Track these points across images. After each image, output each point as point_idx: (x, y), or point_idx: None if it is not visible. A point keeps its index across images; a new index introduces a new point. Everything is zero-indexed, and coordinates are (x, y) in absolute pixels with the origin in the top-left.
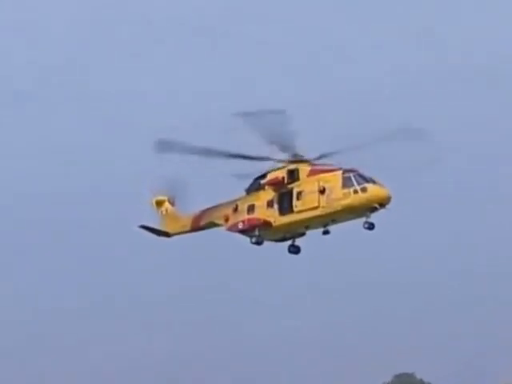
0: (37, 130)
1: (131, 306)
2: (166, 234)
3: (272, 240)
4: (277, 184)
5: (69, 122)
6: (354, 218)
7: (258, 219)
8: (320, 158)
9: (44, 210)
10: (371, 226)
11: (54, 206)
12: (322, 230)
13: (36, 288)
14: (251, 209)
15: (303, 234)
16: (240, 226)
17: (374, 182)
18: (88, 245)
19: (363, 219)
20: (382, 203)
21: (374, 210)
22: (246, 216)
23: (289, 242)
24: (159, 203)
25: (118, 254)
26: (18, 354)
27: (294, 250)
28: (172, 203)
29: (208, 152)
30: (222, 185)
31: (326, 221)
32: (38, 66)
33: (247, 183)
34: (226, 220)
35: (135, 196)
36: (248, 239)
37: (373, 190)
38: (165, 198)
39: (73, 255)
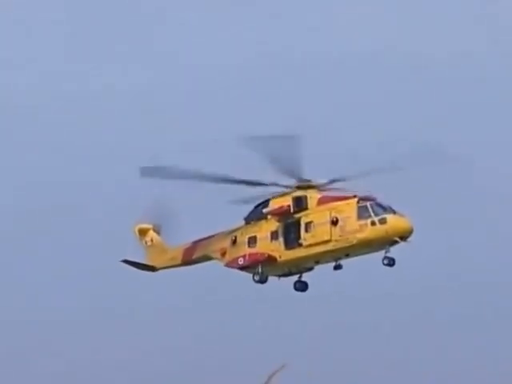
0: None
1: (132, 307)
2: (152, 269)
3: (275, 275)
4: (282, 213)
5: None
6: (370, 252)
7: (262, 254)
8: (331, 182)
9: (44, 210)
10: (391, 262)
11: (55, 205)
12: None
13: (36, 288)
14: (252, 241)
15: (311, 269)
16: (240, 261)
17: (393, 211)
18: (89, 245)
19: (382, 253)
20: (403, 236)
21: (394, 243)
22: (247, 250)
23: (295, 278)
24: (143, 232)
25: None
26: (18, 355)
27: (301, 286)
28: (158, 232)
29: (201, 176)
30: (215, 212)
31: (338, 255)
32: None
33: (246, 210)
34: (223, 254)
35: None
36: (248, 275)
37: (393, 222)
38: (149, 226)
39: (73, 255)
